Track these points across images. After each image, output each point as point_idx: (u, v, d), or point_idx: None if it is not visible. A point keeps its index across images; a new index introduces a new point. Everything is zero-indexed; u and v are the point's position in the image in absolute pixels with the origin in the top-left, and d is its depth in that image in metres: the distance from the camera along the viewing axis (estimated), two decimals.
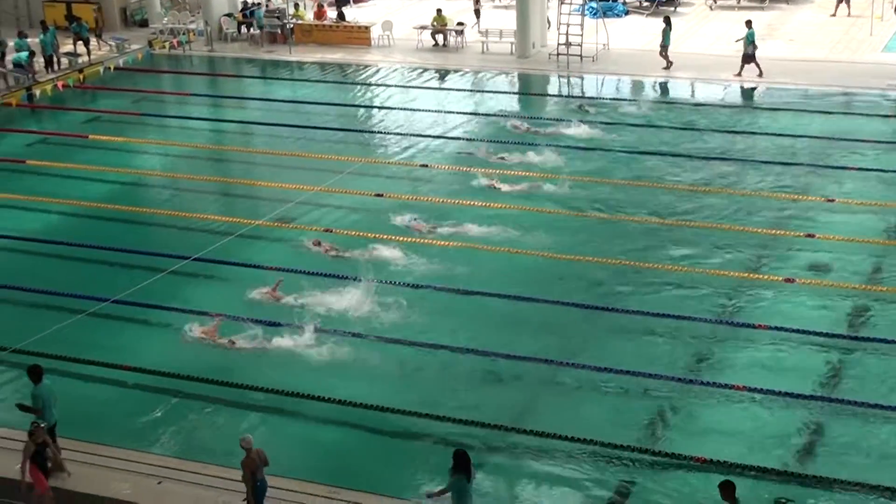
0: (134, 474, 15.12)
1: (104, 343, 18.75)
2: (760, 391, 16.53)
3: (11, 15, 41.09)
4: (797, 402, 16.33)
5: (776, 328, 18.31)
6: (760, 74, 32.38)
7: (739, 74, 32.58)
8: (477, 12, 38.57)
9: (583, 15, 35.28)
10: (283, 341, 18.42)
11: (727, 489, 12.95)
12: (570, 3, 35.20)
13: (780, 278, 20.20)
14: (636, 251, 21.64)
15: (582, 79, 33.92)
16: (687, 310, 19.11)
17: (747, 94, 31.86)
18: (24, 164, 27.60)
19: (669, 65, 33.49)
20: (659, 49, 33.57)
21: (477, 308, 19.62)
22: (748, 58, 32.38)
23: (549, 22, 37.16)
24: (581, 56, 34.53)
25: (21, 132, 30.57)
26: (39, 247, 22.68)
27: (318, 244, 22.13)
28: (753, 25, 32.62)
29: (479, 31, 36.90)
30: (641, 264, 20.98)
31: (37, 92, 33.11)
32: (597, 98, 31.83)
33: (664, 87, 32.99)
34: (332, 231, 22.76)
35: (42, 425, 14.52)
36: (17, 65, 34.04)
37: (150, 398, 17.19)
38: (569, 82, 33.91)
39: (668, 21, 33.90)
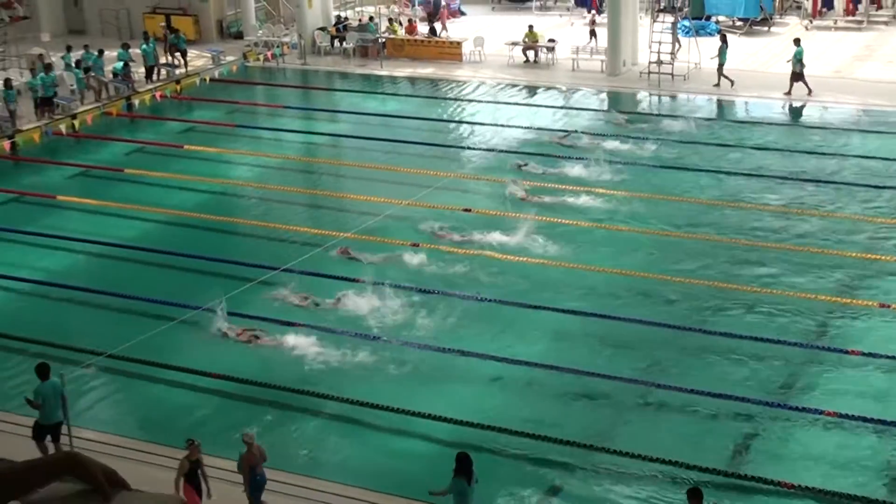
0: (222, 482, 15.32)
1: (193, 351, 19.07)
2: (850, 417, 16.23)
3: (113, 25, 42.08)
4: (889, 429, 15.99)
5: (869, 354, 17.95)
6: (809, 93, 32.20)
7: (789, 93, 32.43)
8: (592, 32, 37.81)
9: (675, 33, 35.04)
10: (364, 354, 18.56)
11: (695, 496, 13.20)
12: (663, 22, 34.99)
13: (875, 303, 19.81)
14: (721, 271, 21.42)
15: (674, 97, 33.71)
16: (775, 333, 18.84)
17: (835, 115, 31.34)
18: (122, 172, 28.22)
19: (731, 83, 33.17)
20: (717, 68, 33.48)
21: (559, 325, 19.58)
22: (797, 76, 32.19)
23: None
24: (672, 74, 34.29)
25: (120, 141, 31.28)
26: (134, 254, 23.15)
27: (346, 252, 22.47)
28: (802, 44, 32.52)
29: (596, 51, 36.45)
30: (728, 285, 20.75)
31: (136, 102, 33.88)
32: (680, 116, 31.61)
33: (751, 107, 32.64)
34: (418, 245, 22.87)
35: (196, 443, 14.40)
36: (116, 74, 34.85)
37: (235, 406, 17.45)
38: (659, 101, 33.72)
39: (724, 39, 33.75)
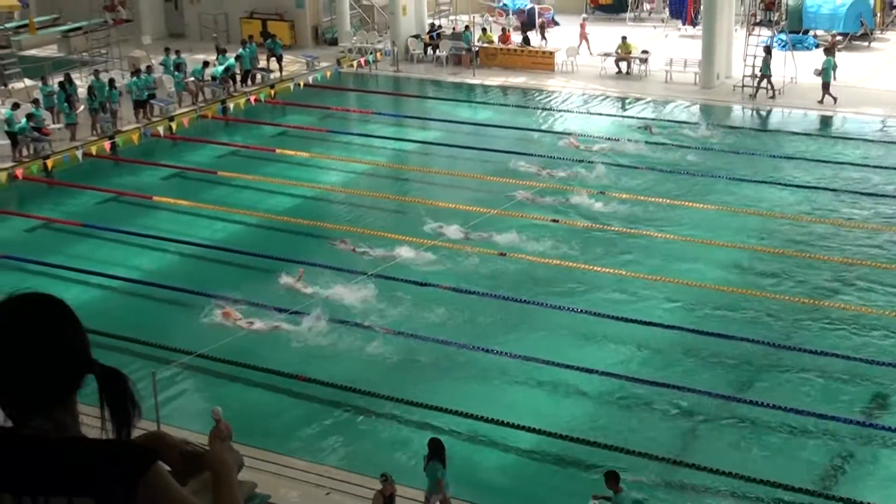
0: (303, 483, 15.54)
1: (279, 353, 19.34)
2: None
3: (210, 30, 42.86)
4: None
5: None
6: (834, 102, 32.55)
7: (821, 102, 32.70)
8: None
9: (771, 47, 34.58)
10: (445, 360, 18.66)
11: (612, 478, 13.98)
12: (759, 35, 34.57)
13: None
14: (812, 288, 21.13)
15: (769, 111, 33.32)
16: (866, 352, 18.52)
17: None
18: (215, 174, 28.75)
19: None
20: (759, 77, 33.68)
21: (644, 337, 19.49)
22: (826, 86, 32.37)
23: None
24: (767, 88, 33.83)
25: (215, 143, 31.87)
26: (224, 255, 23.55)
27: (344, 242, 23.40)
28: (832, 54, 33.17)
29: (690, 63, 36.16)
30: (818, 302, 20.45)
31: (231, 105, 34.48)
32: (772, 130, 31.20)
33: (847, 123, 32.12)
34: (505, 255, 22.91)
35: (389, 477, 14.44)
36: (214, 78, 35.49)
37: (321, 409, 17.66)
38: (754, 114, 33.34)
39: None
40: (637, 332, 19.58)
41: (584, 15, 41.51)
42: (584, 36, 39.20)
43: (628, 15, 43.96)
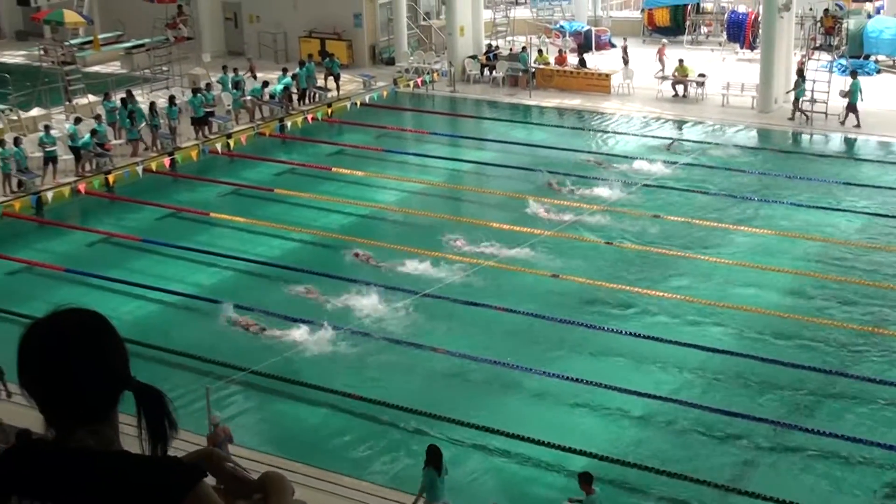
0: (352, 501, 15.61)
1: (332, 370, 19.46)
2: None
3: (270, 48, 43.33)
4: None
5: None
6: (857, 125, 32.67)
7: (843, 123, 32.94)
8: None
9: (830, 72, 34.32)
10: (498, 381, 18.67)
11: (585, 479, 14.45)
12: (819, 59, 34.31)
13: None
14: (870, 315, 20.91)
15: (826, 136, 33.06)
16: None
17: None
18: (272, 191, 29.04)
19: (804, 119, 33.42)
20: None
21: (698, 362, 19.40)
22: (852, 107, 32.62)
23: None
24: (826, 113, 33.57)
25: (272, 161, 32.17)
26: (278, 272, 23.74)
27: (357, 255, 24.04)
28: (858, 77, 33.29)
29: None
30: (880, 330, 20.24)
31: (288, 123, 34.82)
32: (830, 155, 30.93)
33: None
34: (557, 276, 22.92)
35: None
36: (272, 96, 35.81)
37: (372, 427, 17.75)
38: (811, 139, 33.08)
39: (801, 74, 33.82)
40: (692, 357, 19.49)
41: (665, 40, 41.18)
42: (661, 58, 38.81)
43: (686, 38, 43.81)
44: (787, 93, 34.30)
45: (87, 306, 3.19)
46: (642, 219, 26.27)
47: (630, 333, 20.25)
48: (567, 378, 18.65)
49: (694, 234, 25.29)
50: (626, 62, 39.08)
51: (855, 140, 32.73)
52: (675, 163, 30.22)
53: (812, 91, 33.54)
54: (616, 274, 23.15)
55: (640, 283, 22.65)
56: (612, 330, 20.39)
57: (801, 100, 33.61)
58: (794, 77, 33.96)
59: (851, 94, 33.01)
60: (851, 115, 32.89)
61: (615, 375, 18.83)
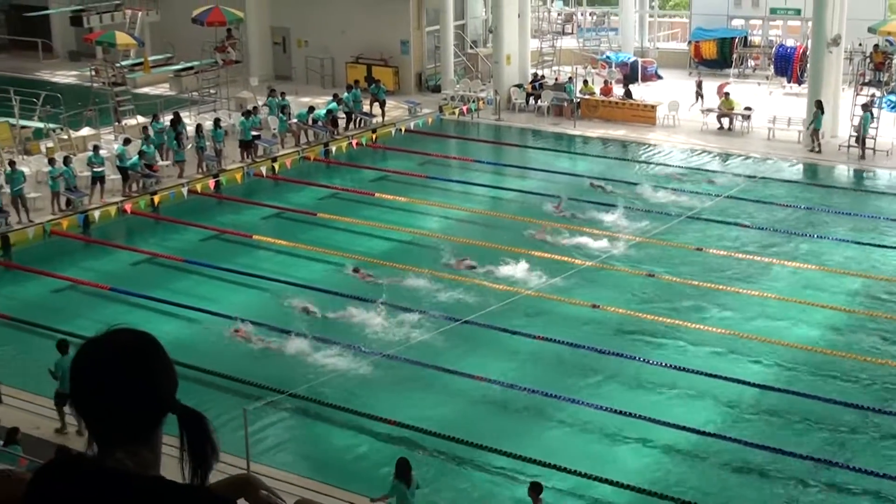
0: None
1: (368, 395, 19.56)
2: None
3: (317, 73, 43.76)
4: None
5: None
6: (862, 157, 33.22)
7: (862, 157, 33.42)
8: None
9: (879, 108, 34.13)
10: (533, 411, 18.66)
11: (534, 489, 14.84)
12: (868, 96, 34.14)
13: None
14: None
15: (872, 173, 32.86)
16: None
17: None
18: (314, 216, 29.26)
19: (818, 149, 33.65)
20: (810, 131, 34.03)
21: (740, 396, 19.34)
22: (863, 140, 33.14)
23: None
24: (874, 150, 33.37)
25: (315, 185, 32.42)
26: (318, 296, 23.85)
27: (357, 271, 24.82)
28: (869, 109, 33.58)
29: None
30: None
31: (333, 148, 35.09)
32: (875, 192, 30.69)
33: None
34: (598, 307, 22.91)
35: None
36: (316, 121, 36.09)
37: (407, 454, 17.76)
38: (858, 175, 32.90)
39: (819, 105, 33.85)
40: (730, 391, 19.43)
41: (731, 74, 40.89)
42: (721, 94, 38.14)
43: (732, 71, 43.73)
44: (809, 126, 34.45)
45: (130, 325, 3.26)
46: (684, 251, 26.22)
47: (668, 365, 20.23)
48: (603, 408, 18.67)
49: (736, 268, 25.22)
50: (699, 96, 38.27)
51: None
52: (718, 196, 30.14)
53: (860, 126, 33.32)
54: (656, 306, 23.15)
55: (679, 315, 22.61)
56: (650, 361, 20.42)
57: (819, 130, 33.83)
58: (814, 109, 34.21)
59: (862, 128, 33.20)
60: (859, 147, 33.28)
61: (652, 407, 18.81)
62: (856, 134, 33.57)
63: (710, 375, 19.75)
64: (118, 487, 3.09)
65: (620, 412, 18.49)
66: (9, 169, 28.32)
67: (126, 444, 3.14)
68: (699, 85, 39.56)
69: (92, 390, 3.14)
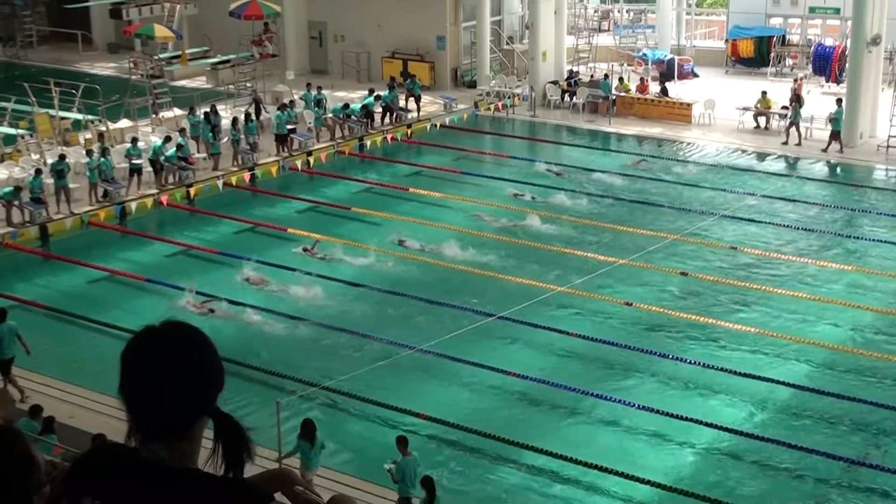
0: None
1: (400, 389, 19.58)
2: None
3: (353, 68, 43.79)
4: None
5: None
6: (840, 150, 33.51)
7: (826, 150, 33.75)
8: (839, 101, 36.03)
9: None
10: (574, 412, 18.60)
11: (401, 442, 15.84)
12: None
13: None
14: None
15: None
16: None
17: None
18: (349, 210, 29.27)
19: (797, 142, 34.34)
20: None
21: (769, 395, 19.30)
22: (835, 134, 33.39)
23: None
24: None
25: (350, 180, 32.46)
26: (352, 290, 23.97)
27: (307, 250, 25.83)
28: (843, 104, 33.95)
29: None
30: None
31: (368, 143, 35.10)
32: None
33: None
34: (631, 304, 22.83)
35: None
36: (350, 116, 36.03)
37: (437, 448, 17.80)
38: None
39: (798, 99, 34.77)
40: (764, 390, 19.40)
41: (802, 74, 40.41)
42: (799, 94, 36.78)
43: (769, 70, 43.34)
44: (784, 117, 35.35)
45: (166, 317, 3.28)
46: (720, 250, 26.07)
47: (703, 364, 20.15)
48: (636, 406, 18.65)
49: (771, 268, 25.07)
50: (797, 100, 35.68)
51: None
52: (754, 194, 29.93)
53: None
54: (690, 304, 23.07)
55: (714, 314, 22.51)
56: (684, 360, 20.34)
57: (798, 124, 34.39)
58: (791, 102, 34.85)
59: (835, 122, 33.49)
60: (835, 143, 33.62)
61: (686, 405, 18.78)
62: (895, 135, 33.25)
63: (745, 375, 19.67)
64: (155, 478, 3.10)
65: (654, 410, 18.46)
66: (88, 157, 29.15)
67: (167, 436, 3.14)
68: (797, 90, 38.49)
69: (140, 381, 3.15)
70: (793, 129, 34.63)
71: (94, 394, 18.81)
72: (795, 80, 38.48)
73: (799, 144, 34.49)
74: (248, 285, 24.23)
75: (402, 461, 15.77)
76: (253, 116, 33.99)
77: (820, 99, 39.68)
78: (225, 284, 24.24)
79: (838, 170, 33.24)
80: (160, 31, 37.72)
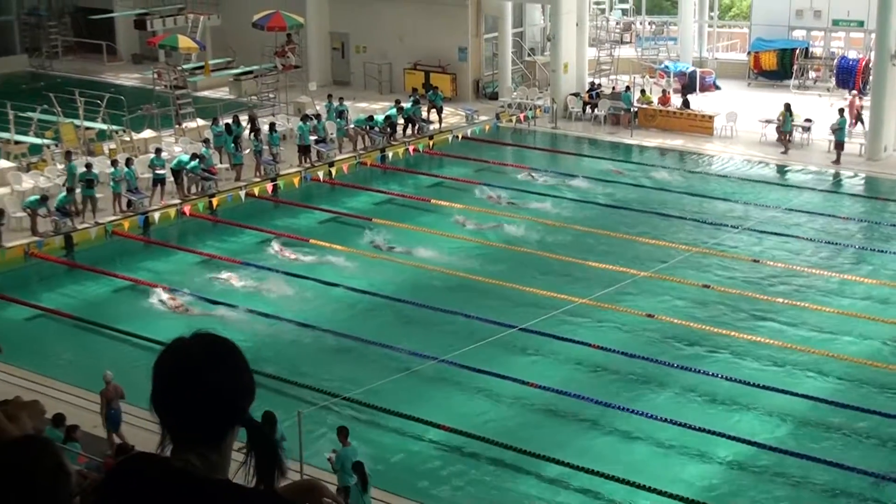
0: None
1: (420, 401, 19.59)
2: None
3: (375, 79, 43.89)
4: None
5: None
6: (836, 161, 33.72)
7: (837, 161, 33.82)
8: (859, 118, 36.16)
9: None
10: (603, 421, 18.55)
11: (341, 432, 16.33)
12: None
13: None
14: None
15: None
16: None
17: None
18: (370, 221, 29.27)
19: (786, 149, 34.86)
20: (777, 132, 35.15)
21: (795, 410, 19.23)
22: (839, 144, 33.63)
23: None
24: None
25: (372, 191, 32.51)
26: (371, 300, 24.02)
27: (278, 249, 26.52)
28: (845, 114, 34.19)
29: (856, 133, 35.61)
30: None
31: (389, 154, 35.16)
32: None
33: None
34: (653, 316, 22.78)
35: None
36: (372, 128, 36.05)
37: (457, 458, 17.80)
38: None
39: (788, 108, 35.10)
40: (786, 403, 19.31)
41: (854, 91, 40.33)
42: (855, 113, 36.28)
43: (792, 82, 43.21)
44: (778, 126, 35.62)
45: (195, 328, 3.30)
46: (742, 263, 25.99)
47: (725, 377, 20.07)
48: (658, 418, 18.59)
49: (796, 281, 24.98)
50: (859, 120, 35.89)
51: None
52: (777, 207, 29.82)
53: None
54: (712, 317, 22.98)
55: (736, 326, 22.43)
56: (706, 372, 20.27)
57: (789, 133, 35.10)
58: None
59: (839, 132, 33.52)
60: (835, 151, 33.88)
61: (707, 418, 18.72)
62: None
63: (768, 388, 19.57)
64: (188, 489, 3.12)
65: (676, 422, 18.40)
66: (112, 168, 29.26)
67: (199, 446, 3.16)
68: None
69: (172, 391, 3.17)
70: (784, 136, 35.13)
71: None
72: (848, 96, 38.15)
73: (785, 152, 34.88)
74: (268, 292, 24.31)
75: (342, 451, 16.22)
76: (276, 127, 34.03)
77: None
78: (242, 292, 24.31)
79: (863, 183, 33.07)
80: (184, 42, 37.95)
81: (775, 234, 27.90)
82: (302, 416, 17.16)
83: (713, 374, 20.21)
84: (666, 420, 18.48)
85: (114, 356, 20.80)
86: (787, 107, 35.13)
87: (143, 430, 17.22)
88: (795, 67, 43.48)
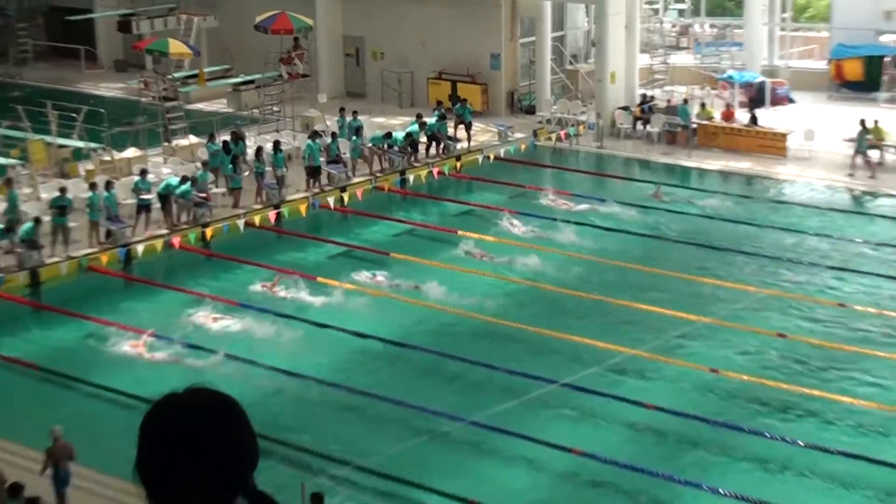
0: None
1: (448, 468, 19.29)
2: None
3: (394, 90, 43.77)
4: None
5: None
6: (850, 175, 34.97)
7: (852, 175, 34.97)
8: None
9: None
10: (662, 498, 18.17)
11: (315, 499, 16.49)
12: None
13: None
14: None
15: None
16: None
17: None
18: (388, 255, 28.89)
19: (873, 173, 35.03)
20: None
21: (885, 482, 18.88)
22: (860, 154, 34.97)
23: None
24: None
25: (390, 220, 32.22)
26: (393, 350, 23.81)
27: (267, 287, 26.65)
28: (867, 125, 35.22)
29: None
30: None
31: (410, 177, 34.90)
32: None
33: None
34: (717, 372, 22.38)
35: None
36: (391, 146, 35.80)
37: None
38: None
39: (863, 124, 35.31)
40: (879, 476, 18.97)
41: (881, 98, 40.01)
42: None
43: (882, 95, 42.73)
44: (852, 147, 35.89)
45: (187, 381, 3.25)
46: (825, 307, 25.62)
47: (803, 444, 19.74)
48: (725, 493, 18.26)
49: (888, 329, 24.55)
50: None
51: None
52: (865, 242, 29.42)
53: None
54: (788, 372, 22.73)
55: (817, 383, 22.13)
56: (781, 438, 19.96)
57: (862, 153, 35.19)
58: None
59: (858, 143, 34.82)
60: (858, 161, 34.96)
61: (783, 494, 18.46)
62: None
63: (856, 457, 19.24)
64: None
65: (745, 499, 18.07)
66: (90, 192, 28.99)
67: None
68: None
69: (162, 455, 3.12)
70: (857, 157, 35.26)
71: (89, 471, 18.54)
72: None
73: (871, 176, 34.84)
74: (268, 339, 24.09)
75: None
76: (281, 145, 33.81)
77: None
78: (239, 338, 24.06)
79: None
80: (175, 46, 37.92)
81: (864, 273, 27.55)
82: (305, 488, 16.88)
83: (791, 441, 19.88)
84: (735, 496, 18.13)
85: (87, 415, 20.56)
86: (863, 122, 35.16)
87: (96, 498, 17.09)
88: (885, 78, 43.03)
